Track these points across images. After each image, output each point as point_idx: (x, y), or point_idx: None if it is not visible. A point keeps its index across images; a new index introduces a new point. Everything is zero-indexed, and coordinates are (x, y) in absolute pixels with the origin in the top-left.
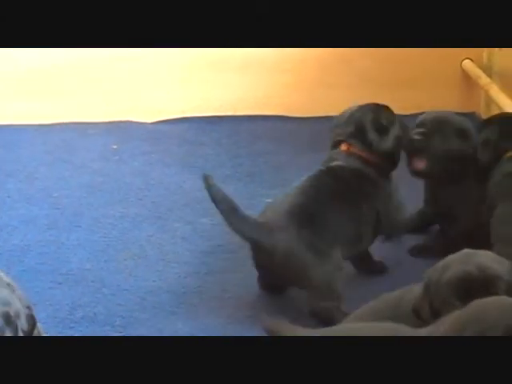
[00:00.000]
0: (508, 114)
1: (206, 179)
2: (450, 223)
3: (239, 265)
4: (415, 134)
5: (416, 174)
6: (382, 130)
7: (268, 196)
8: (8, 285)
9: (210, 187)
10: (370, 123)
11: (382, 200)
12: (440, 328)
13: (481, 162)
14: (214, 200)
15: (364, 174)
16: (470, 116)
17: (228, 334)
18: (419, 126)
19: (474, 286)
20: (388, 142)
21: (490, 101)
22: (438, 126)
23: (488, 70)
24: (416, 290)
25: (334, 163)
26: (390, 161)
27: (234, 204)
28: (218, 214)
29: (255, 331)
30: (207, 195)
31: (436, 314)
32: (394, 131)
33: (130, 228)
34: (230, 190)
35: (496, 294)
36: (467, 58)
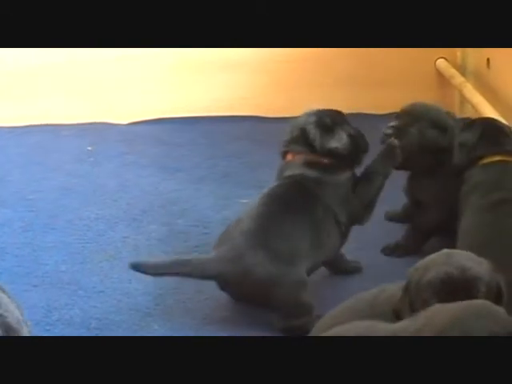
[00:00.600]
0: (491, 119)
1: (137, 267)
2: (421, 215)
3: None
4: (387, 129)
5: None
6: (326, 130)
7: (244, 196)
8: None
9: (154, 272)
10: (311, 124)
11: (331, 196)
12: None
13: (455, 163)
14: (163, 273)
15: (306, 177)
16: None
17: (204, 335)
18: (395, 118)
19: (455, 288)
20: (334, 141)
21: (464, 100)
22: (413, 118)
23: (462, 70)
24: (391, 288)
25: (284, 174)
26: (340, 160)
27: (179, 259)
28: (194, 215)
29: (231, 332)
30: (182, 196)
31: None
32: (342, 130)
33: (106, 229)
34: (205, 190)
35: (476, 295)
36: (441, 58)
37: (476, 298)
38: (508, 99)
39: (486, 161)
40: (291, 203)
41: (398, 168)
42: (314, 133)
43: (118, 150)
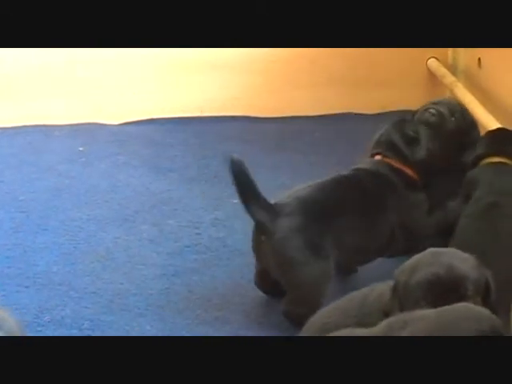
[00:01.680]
0: (504, 128)
1: (234, 163)
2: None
3: (206, 266)
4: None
5: None
6: (412, 141)
7: (235, 197)
8: None
9: (235, 170)
10: (399, 137)
11: (401, 213)
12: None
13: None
14: (236, 182)
15: (389, 181)
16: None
17: (196, 335)
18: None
19: (443, 288)
20: (420, 152)
21: (455, 99)
22: (451, 109)
23: (453, 69)
24: (380, 287)
25: (361, 166)
26: (423, 172)
27: (251, 186)
28: (185, 215)
29: (223, 332)
30: (173, 196)
31: None
32: (425, 142)
33: (97, 230)
34: (196, 191)
35: (465, 294)
36: (432, 57)
37: (465, 296)
38: (499, 99)
39: (484, 162)
40: (359, 199)
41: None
42: (403, 146)
43: (109, 150)
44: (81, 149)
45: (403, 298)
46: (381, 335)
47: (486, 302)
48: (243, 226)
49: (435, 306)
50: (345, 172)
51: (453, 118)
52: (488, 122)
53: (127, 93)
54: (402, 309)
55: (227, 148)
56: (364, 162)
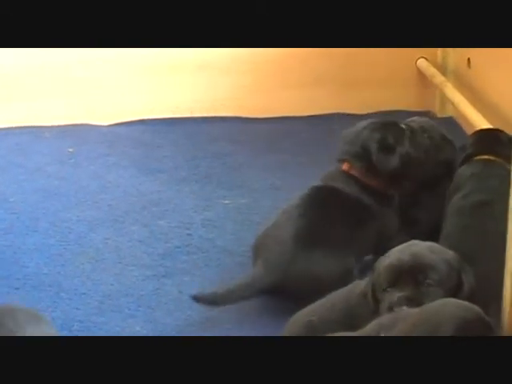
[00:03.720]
0: (494, 128)
1: (197, 298)
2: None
3: (197, 267)
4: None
5: None
6: (388, 149)
7: (226, 197)
8: None
9: (207, 302)
10: (375, 143)
11: (377, 228)
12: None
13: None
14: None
15: (360, 201)
16: (425, 114)
17: (187, 335)
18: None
19: (403, 272)
20: (394, 161)
21: (444, 99)
22: (423, 128)
23: (443, 69)
24: (363, 283)
25: (331, 184)
26: (393, 182)
27: (237, 285)
28: (176, 216)
29: (214, 332)
30: (164, 197)
31: (376, 300)
32: (401, 149)
33: (87, 231)
34: (187, 191)
35: (423, 281)
36: (422, 57)
37: (423, 283)
38: (488, 98)
39: (474, 159)
40: (339, 214)
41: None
42: (376, 153)
43: (99, 151)
44: (70, 150)
45: (375, 282)
46: (372, 335)
47: (456, 297)
48: (234, 226)
49: (397, 290)
50: (315, 188)
51: (425, 135)
52: (477, 121)
53: (116, 94)
54: (373, 292)
55: (217, 149)
56: (331, 176)
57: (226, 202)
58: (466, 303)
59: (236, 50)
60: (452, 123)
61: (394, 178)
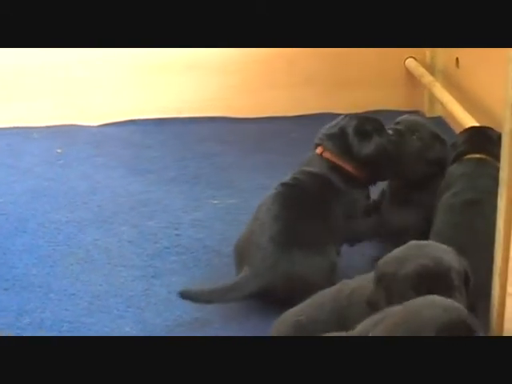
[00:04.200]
0: (484, 127)
1: (184, 295)
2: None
3: (186, 267)
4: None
5: None
6: (365, 136)
7: (214, 197)
8: None
9: (194, 298)
10: (351, 127)
11: (343, 209)
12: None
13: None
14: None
15: (326, 180)
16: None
17: (176, 335)
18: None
19: (432, 280)
20: (369, 147)
21: (433, 99)
22: (413, 127)
23: (431, 69)
24: (351, 283)
25: (304, 168)
26: (368, 169)
27: (223, 287)
28: (165, 216)
29: (203, 332)
30: (153, 198)
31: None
32: (378, 139)
33: (76, 232)
34: (175, 192)
35: (452, 284)
36: (410, 57)
37: (452, 286)
38: (477, 98)
39: (465, 158)
40: (310, 202)
41: (393, 176)
42: (352, 137)
43: (88, 152)
44: (59, 151)
45: (390, 290)
46: (363, 334)
47: (466, 290)
48: (223, 226)
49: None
50: (285, 184)
51: (414, 137)
52: (466, 120)
53: (105, 94)
54: (389, 300)
55: (206, 149)
56: (306, 161)
57: (215, 202)
58: (449, 303)
59: (224, 51)
60: (441, 123)
61: (370, 166)
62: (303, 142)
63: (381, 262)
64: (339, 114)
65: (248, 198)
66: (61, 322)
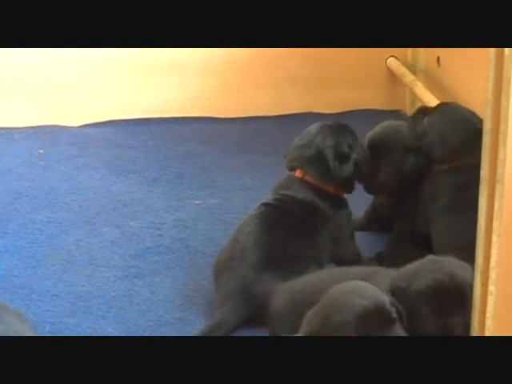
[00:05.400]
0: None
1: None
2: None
3: (168, 267)
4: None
5: None
6: (344, 159)
7: (197, 198)
8: None
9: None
10: (330, 149)
11: (331, 232)
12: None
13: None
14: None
15: (314, 206)
16: (396, 113)
17: (159, 335)
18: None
19: (447, 295)
20: (348, 169)
21: (414, 98)
22: (385, 148)
23: (412, 68)
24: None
25: (285, 192)
26: (346, 187)
27: (213, 323)
28: (147, 216)
29: (186, 333)
30: (135, 198)
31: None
32: (354, 156)
33: (58, 233)
34: (158, 192)
35: (466, 301)
36: (392, 56)
37: (466, 303)
38: (458, 97)
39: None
40: (294, 225)
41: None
42: (332, 161)
43: (69, 152)
44: (41, 151)
45: (403, 304)
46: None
47: None
48: (205, 226)
49: (437, 313)
50: (268, 204)
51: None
52: None
53: (87, 95)
54: (399, 315)
55: (188, 149)
56: (284, 184)
57: (197, 202)
58: (372, 289)
59: (206, 50)
60: None
61: (348, 182)
62: (286, 141)
63: (395, 275)
64: (321, 114)
65: (230, 198)
66: (43, 323)
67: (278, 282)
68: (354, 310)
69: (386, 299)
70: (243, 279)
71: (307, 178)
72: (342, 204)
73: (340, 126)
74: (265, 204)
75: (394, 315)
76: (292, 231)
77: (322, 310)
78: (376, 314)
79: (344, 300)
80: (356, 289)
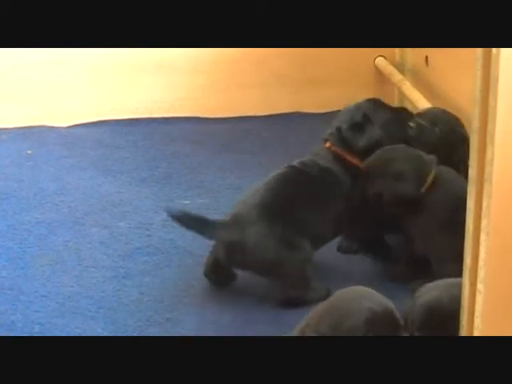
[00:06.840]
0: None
1: (169, 213)
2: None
3: (157, 267)
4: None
5: None
6: (357, 128)
7: (185, 198)
8: None
9: (174, 216)
10: (345, 124)
11: (345, 201)
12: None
13: None
14: (181, 223)
15: (332, 172)
16: None
17: (148, 335)
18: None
19: (442, 315)
20: (362, 139)
21: (403, 97)
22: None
23: (401, 67)
24: None
25: (311, 158)
26: (367, 158)
27: (198, 216)
28: (136, 217)
29: (175, 333)
30: (123, 198)
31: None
32: (371, 128)
33: (47, 234)
34: (146, 192)
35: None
36: (380, 56)
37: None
38: (446, 96)
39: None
40: (308, 188)
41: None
42: (346, 131)
43: (57, 153)
44: (29, 152)
45: (406, 317)
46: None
47: None
48: None
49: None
50: (291, 166)
51: (437, 129)
52: None
53: (75, 95)
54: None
55: (177, 149)
56: (313, 152)
57: (186, 202)
58: (378, 296)
59: (194, 50)
60: None
61: (368, 153)
62: (274, 141)
63: (420, 288)
64: (309, 113)
65: (219, 198)
66: (32, 324)
67: (269, 235)
68: (364, 315)
69: (392, 305)
70: (246, 208)
71: (333, 148)
72: (355, 170)
73: (378, 101)
74: (289, 166)
75: (402, 321)
76: (304, 194)
77: (330, 314)
78: (385, 318)
79: (354, 305)
80: (364, 294)
